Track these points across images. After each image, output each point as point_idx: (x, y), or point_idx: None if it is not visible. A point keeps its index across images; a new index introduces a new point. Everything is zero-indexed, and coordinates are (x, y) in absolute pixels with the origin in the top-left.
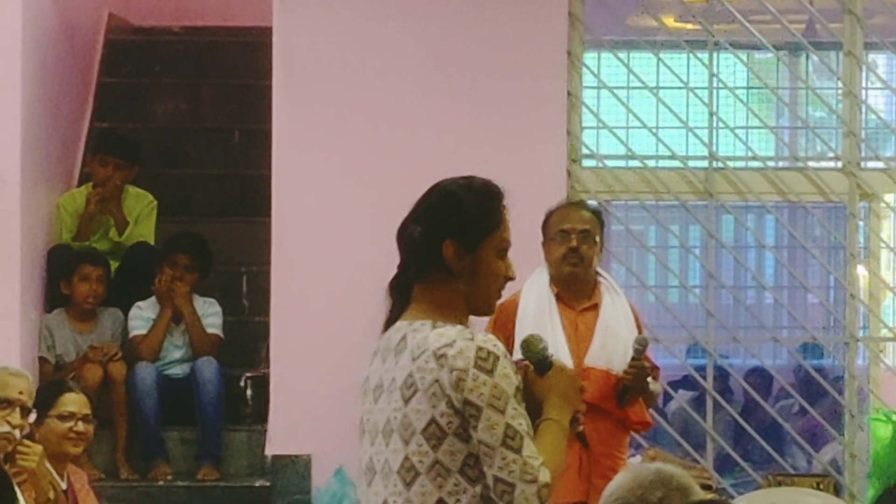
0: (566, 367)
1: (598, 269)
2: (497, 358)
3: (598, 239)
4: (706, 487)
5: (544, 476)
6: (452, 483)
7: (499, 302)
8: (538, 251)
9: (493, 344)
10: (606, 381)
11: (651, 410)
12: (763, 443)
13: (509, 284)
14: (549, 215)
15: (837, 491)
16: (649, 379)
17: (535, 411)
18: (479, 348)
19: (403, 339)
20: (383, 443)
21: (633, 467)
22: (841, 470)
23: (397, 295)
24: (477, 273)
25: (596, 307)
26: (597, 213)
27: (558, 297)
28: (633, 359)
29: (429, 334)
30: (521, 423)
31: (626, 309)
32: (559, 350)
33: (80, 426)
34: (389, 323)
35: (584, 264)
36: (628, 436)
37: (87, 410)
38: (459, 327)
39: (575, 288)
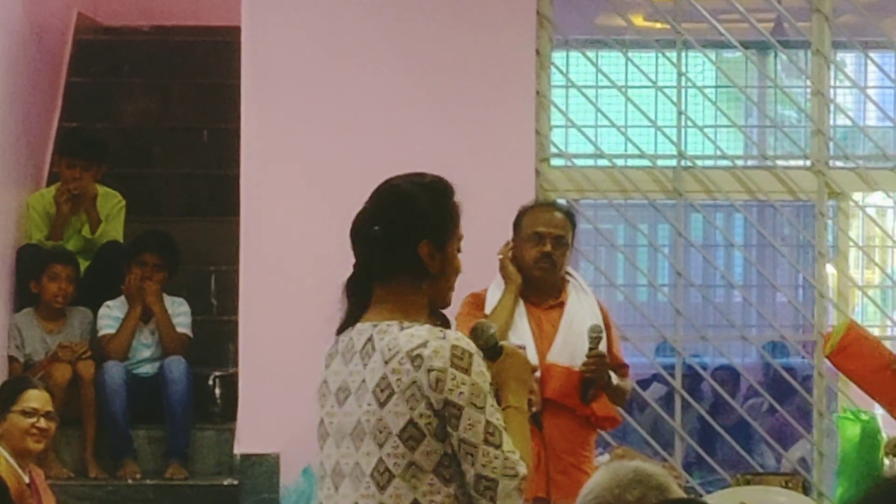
0: (516, 351)
1: (568, 269)
2: (471, 355)
3: (570, 243)
4: None
5: (523, 469)
6: (427, 483)
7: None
8: None
9: (466, 342)
10: (569, 377)
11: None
12: (732, 441)
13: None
14: (523, 214)
15: (806, 489)
16: (616, 376)
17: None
18: (454, 346)
19: (370, 341)
20: (353, 446)
21: (612, 466)
22: (809, 468)
23: (355, 296)
24: (445, 270)
25: (562, 305)
26: (570, 216)
27: (524, 295)
28: (589, 349)
29: (398, 335)
30: (498, 417)
31: (593, 307)
32: (527, 347)
33: (43, 422)
34: (348, 324)
35: (555, 269)
36: (595, 433)
37: (49, 407)
38: (428, 326)
39: (542, 287)
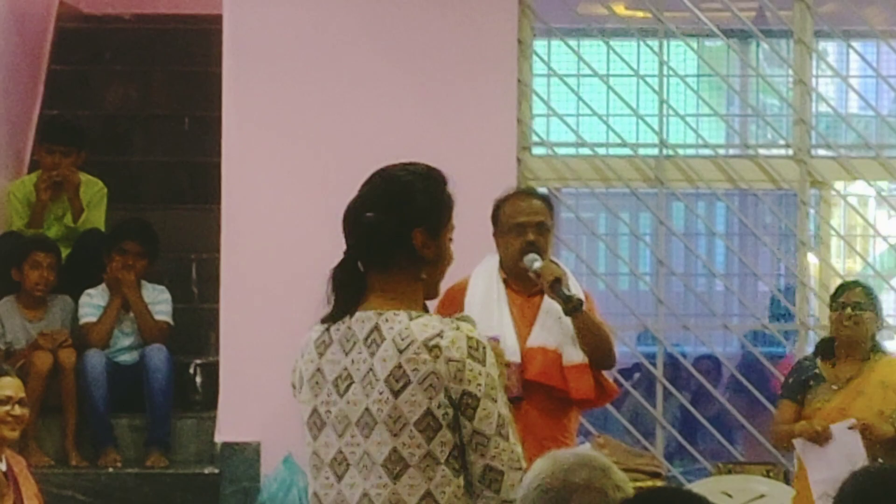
0: (495, 347)
1: (551, 257)
2: (485, 347)
3: (551, 226)
4: (656, 475)
5: (524, 462)
6: (440, 475)
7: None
8: (488, 237)
9: (478, 333)
10: (545, 356)
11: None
12: (713, 431)
13: (456, 268)
14: (500, 206)
15: (787, 479)
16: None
17: None
18: (469, 338)
19: (375, 329)
20: (360, 435)
21: (550, 454)
22: (791, 458)
23: (347, 284)
24: (439, 259)
25: (542, 292)
26: (547, 200)
27: (506, 283)
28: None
29: (409, 324)
30: (506, 410)
31: (576, 290)
32: (506, 334)
33: (17, 409)
34: (342, 312)
35: (542, 256)
36: (576, 419)
37: (22, 394)
38: (438, 316)
39: (527, 276)
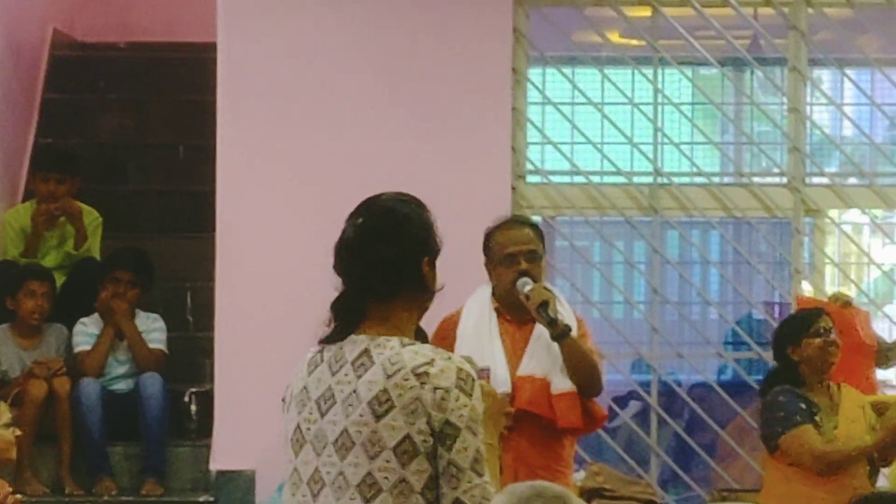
0: (493, 391)
1: (544, 284)
2: (474, 380)
3: (542, 254)
4: (650, 503)
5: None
6: (412, 503)
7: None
8: (482, 265)
9: (469, 366)
10: (533, 385)
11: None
12: (707, 459)
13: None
14: (491, 235)
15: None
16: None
17: None
18: (460, 369)
19: (365, 352)
20: (336, 455)
21: (508, 487)
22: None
23: (347, 312)
24: (435, 287)
25: (534, 320)
26: (537, 229)
27: (498, 312)
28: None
29: (401, 351)
30: (484, 447)
31: (570, 318)
32: (497, 363)
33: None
34: (338, 336)
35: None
36: (570, 448)
37: (7, 417)
38: (430, 346)
39: (521, 306)
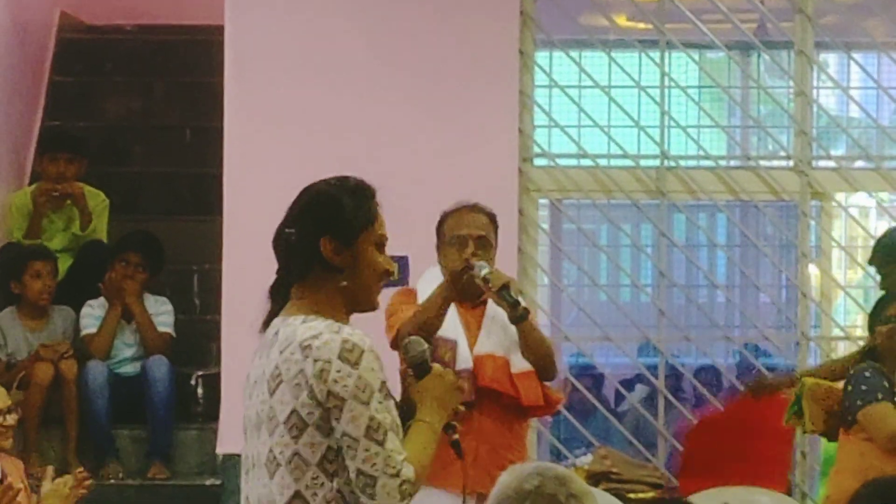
0: (445, 373)
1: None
2: (363, 351)
3: (493, 242)
4: (657, 486)
5: (407, 472)
6: (310, 476)
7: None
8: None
9: (360, 337)
10: (494, 363)
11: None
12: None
13: None
14: (445, 218)
15: (789, 489)
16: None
17: (412, 414)
18: (345, 340)
19: (276, 334)
20: (255, 436)
21: (512, 467)
22: (792, 468)
23: (277, 297)
24: (358, 267)
25: (485, 303)
26: (492, 217)
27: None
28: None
29: (297, 327)
30: (386, 416)
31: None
32: (459, 340)
33: (9, 419)
34: (267, 322)
35: None
36: (527, 427)
37: (8, 402)
38: (329, 321)
39: (469, 288)
